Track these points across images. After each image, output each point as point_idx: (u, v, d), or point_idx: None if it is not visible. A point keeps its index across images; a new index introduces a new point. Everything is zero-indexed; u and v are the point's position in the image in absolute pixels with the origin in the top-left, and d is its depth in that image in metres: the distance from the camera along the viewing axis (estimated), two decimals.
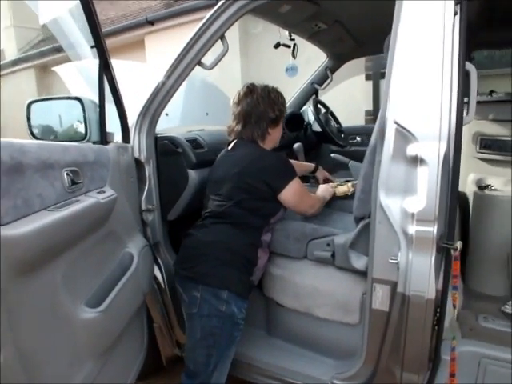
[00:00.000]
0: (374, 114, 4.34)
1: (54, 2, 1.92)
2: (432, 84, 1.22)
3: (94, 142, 1.53)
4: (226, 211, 1.61)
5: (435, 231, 1.23)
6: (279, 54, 2.62)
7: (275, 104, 1.70)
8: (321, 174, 2.32)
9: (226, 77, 4.29)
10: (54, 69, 2.15)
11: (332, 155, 2.44)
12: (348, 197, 2.08)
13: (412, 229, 1.26)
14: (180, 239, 1.78)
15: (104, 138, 1.51)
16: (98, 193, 1.25)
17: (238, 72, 5.45)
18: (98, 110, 1.48)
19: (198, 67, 1.70)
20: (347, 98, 4.18)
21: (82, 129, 1.50)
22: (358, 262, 1.53)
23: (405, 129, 1.24)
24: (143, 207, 1.81)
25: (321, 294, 1.64)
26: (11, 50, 9.62)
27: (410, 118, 1.24)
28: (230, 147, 1.76)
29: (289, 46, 2.44)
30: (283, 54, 2.65)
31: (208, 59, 1.71)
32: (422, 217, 1.23)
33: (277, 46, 2.39)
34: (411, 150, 1.24)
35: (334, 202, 2.11)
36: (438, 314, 1.31)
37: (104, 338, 1.22)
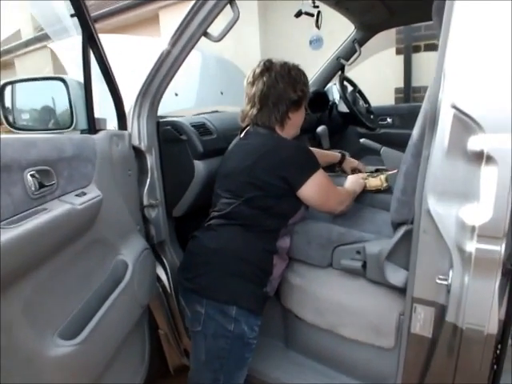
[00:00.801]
0: (405, 91, 3.97)
1: None
2: (507, 56, 0.92)
3: (83, 131, 1.29)
4: (236, 211, 1.38)
5: (502, 250, 0.95)
6: (302, 25, 2.32)
7: (297, 83, 1.43)
8: (348, 164, 2.04)
9: (243, 52, 3.99)
10: (49, 46, 1.91)
11: (361, 140, 2.15)
12: (380, 191, 1.80)
13: (471, 246, 0.99)
14: (189, 236, 1.57)
15: (92, 125, 1.27)
16: (77, 195, 1.02)
17: (257, 47, 5.09)
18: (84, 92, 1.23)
19: (209, 41, 1.43)
20: (375, 75, 3.83)
21: (67, 115, 1.26)
22: (395, 276, 1.27)
23: (467, 115, 0.95)
24: (145, 202, 1.59)
25: (348, 310, 1.39)
26: (28, 30, 9.42)
27: (474, 102, 0.95)
28: (242, 135, 1.51)
29: (312, 15, 2.12)
30: (307, 25, 2.35)
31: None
32: (486, 232, 0.95)
33: (298, 14, 2.08)
34: (475, 143, 0.95)
35: (364, 196, 1.84)
36: (498, 351, 1.05)
37: (85, 375, 1.00)
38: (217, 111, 2.23)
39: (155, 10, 6.31)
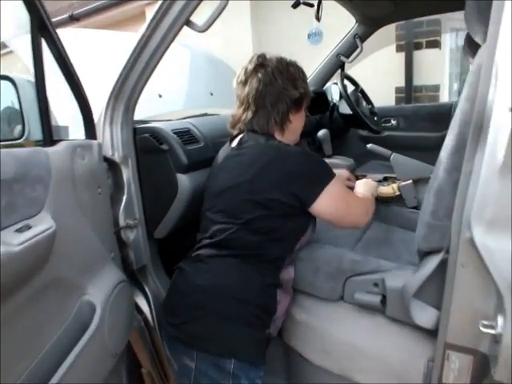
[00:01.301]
0: (406, 91, 3.76)
1: None
2: None
3: (38, 142, 1.05)
4: (232, 237, 1.13)
5: None
6: (299, 18, 2.09)
7: (297, 80, 1.22)
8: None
9: (234, 50, 3.74)
10: (3, 41, 1.64)
11: (368, 146, 1.91)
12: (391, 199, 1.58)
13: None
14: (176, 257, 1.34)
15: (47, 134, 1.02)
16: (18, 231, 0.77)
17: (249, 43, 4.83)
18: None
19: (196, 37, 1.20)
20: (374, 74, 3.62)
21: (18, 123, 1.02)
22: (423, 316, 1.04)
23: None
24: (121, 223, 1.35)
25: (363, 354, 1.16)
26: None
27: None
28: (234, 144, 1.26)
29: (311, 5, 1.88)
30: (303, 19, 2.12)
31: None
32: None
33: (296, 4, 1.84)
34: None
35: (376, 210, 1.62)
36: None
37: None
38: (206, 114, 1.98)
39: (141, 6, 6.06)
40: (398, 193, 1.56)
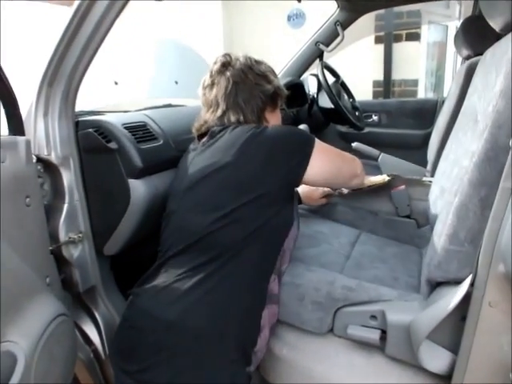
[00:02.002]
0: (384, 85, 3.61)
1: None
2: None
3: None
4: (211, 236, 0.94)
5: None
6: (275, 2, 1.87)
7: (268, 75, 1.13)
8: (311, 199, 1.51)
9: (203, 35, 3.48)
10: None
11: (353, 145, 1.73)
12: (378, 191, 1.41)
13: None
14: (133, 274, 1.13)
15: None
16: None
17: (220, 28, 4.54)
18: None
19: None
20: (351, 66, 3.44)
21: None
22: (434, 359, 0.86)
23: None
24: (62, 238, 1.11)
25: None
26: None
27: None
28: (204, 139, 1.08)
29: None
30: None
31: None
32: None
33: None
34: None
35: (364, 220, 1.42)
36: None
37: None
38: (170, 105, 1.73)
39: None
40: (388, 178, 1.39)
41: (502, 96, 0.71)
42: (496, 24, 0.95)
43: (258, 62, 1.13)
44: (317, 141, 1.04)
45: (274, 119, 1.15)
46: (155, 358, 0.90)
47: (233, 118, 1.06)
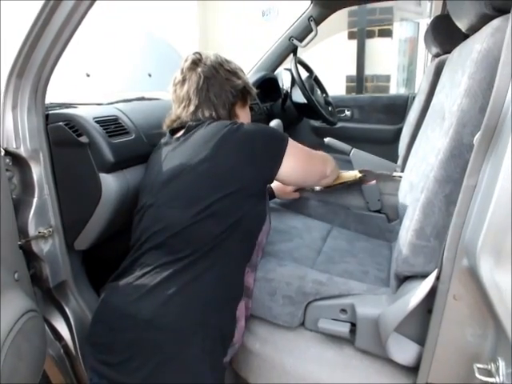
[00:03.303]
0: (357, 80, 3.65)
1: None
2: None
3: None
4: (189, 228, 0.94)
5: None
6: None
7: (237, 72, 1.16)
8: (284, 193, 1.51)
9: (177, 27, 3.43)
10: None
11: (326, 140, 1.75)
12: (350, 186, 1.43)
13: None
14: (106, 267, 1.13)
15: None
16: None
17: (194, 20, 4.49)
18: None
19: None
20: (324, 61, 3.47)
21: None
22: (401, 351, 0.89)
23: None
24: (31, 232, 1.09)
25: None
26: None
27: None
28: (179, 134, 1.08)
29: None
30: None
31: None
32: None
33: None
34: None
35: (335, 214, 1.45)
36: None
37: None
38: (143, 98, 1.70)
39: None
40: (359, 175, 1.41)
41: (466, 95, 0.74)
42: (462, 24, 0.98)
43: (227, 61, 1.16)
44: (290, 140, 1.07)
45: (244, 115, 1.18)
46: (132, 353, 0.90)
47: (206, 113, 1.07)
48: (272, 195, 1.46)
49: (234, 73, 1.14)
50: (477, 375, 0.72)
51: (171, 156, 1.05)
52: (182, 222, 0.94)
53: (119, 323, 0.93)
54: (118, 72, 2.11)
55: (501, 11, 0.76)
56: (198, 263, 0.93)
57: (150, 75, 2.11)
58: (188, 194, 0.98)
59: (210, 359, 0.91)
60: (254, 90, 1.20)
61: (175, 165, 1.01)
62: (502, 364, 0.69)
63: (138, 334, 0.90)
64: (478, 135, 0.66)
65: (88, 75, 1.76)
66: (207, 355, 0.90)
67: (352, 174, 1.42)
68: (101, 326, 0.98)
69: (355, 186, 1.46)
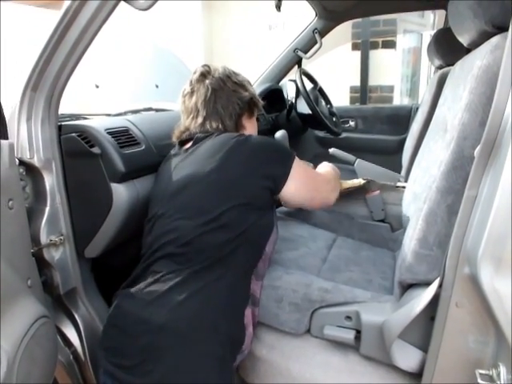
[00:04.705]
0: (361, 91, 3.68)
1: None
2: None
3: None
4: (199, 238, 0.96)
5: None
6: (255, 9, 1.90)
7: (244, 84, 1.19)
8: None
9: (183, 40, 3.48)
10: None
11: (330, 150, 1.78)
12: (354, 196, 1.45)
13: None
14: (114, 276, 1.17)
15: None
16: None
17: (199, 32, 4.54)
18: None
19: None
20: (328, 72, 3.50)
21: None
22: (405, 357, 0.91)
23: None
24: (43, 241, 1.12)
25: None
26: None
27: None
28: (187, 146, 1.11)
29: None
30: (260, 8, 1.94)
31: None
32: None
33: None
34: None
35: (340, 223, 1.47)
36: None
37: None
38: (151, 109, 1.74)
39: None
40: (363, 182, 1.44)
41: (467, 109, 0.77)
42: (463, 40, 1.01)
43: (235, 73, 1.19)
44: (296, 159, 1.08)
45: (250, 126, 1.20)
46: (145, 357, 0.91)
47: (214, 125, 1.10)
48: (278, 203, 1.47)
49: (242, 85, 1.16)
50: (479, 381, 0.73)
51: (180, 167, 1.07)
52: (192, 232, 0.96)
53: (132, 328, 0.95)
54: (126, 83, 2.15)
55: (500, 29, 0.79)
56: (209, 271, 0.95)
57: (157, 86, 2.15)
58: (196, 204, 1.00)
59: (220, 364, 0.93)
60: (261, 102, 1.23)
61: (184, 176, 1.04)
62: (503, 369, 0.71)
63: (151, 338, 0.92)
64: (478, 148, 0.69)
65: (97, 86, 1.81)
66: (217, 360, 0.92)
67: (356, 182, 1.45)
68: (114, 331, 0.99)
69: (359, 195, 1.49)
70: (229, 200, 0.97)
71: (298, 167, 1.07)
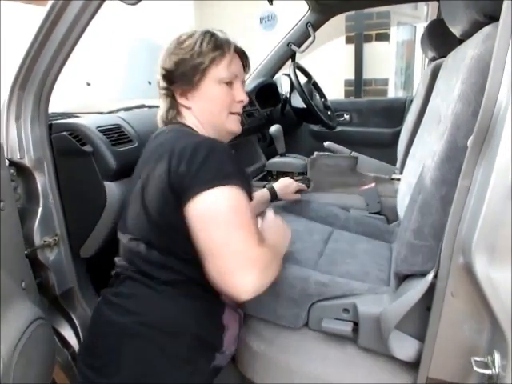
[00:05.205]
0: (355, 84, 3.67)
1: None
2: None
3: None
4: (140, 259, 0.92)
5: None
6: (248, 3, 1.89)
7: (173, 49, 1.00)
8: (287, 194, 1.49)
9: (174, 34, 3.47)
10: None
11: (325, 144, 1.78)
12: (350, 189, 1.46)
13: None
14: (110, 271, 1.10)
15: None
16: None
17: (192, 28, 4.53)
18: None
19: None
20: (322, 65, 3.50)
21: None
22: (403, 348, 0.91)
23: None
24: (37, 242, 1.11)
25: None
26: None
27: None
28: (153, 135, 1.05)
29: None
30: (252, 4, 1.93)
31: None
32: None
33: None
34: None
35: (336, 216, 1.46)
36: None
37: None
38: (143, 106, 1.73)
39: None
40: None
41: (460, 100, 0.76)
42: (456, 30, 1.01)
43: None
44: (236, 188, 0.82)
45: (194, 97, 1.00)
46: (111, 358, 0.91)
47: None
48: (275, 197, 1.45)
49: (168, 53, 1.01)
50: (474, 368, 0.73)
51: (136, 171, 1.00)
52: (132, 253, 0.93)
53: (103, 328, 0.94)
54: (118, 80, 2.14)
55: (492, 18, 0.78)
56: (172, 285, 0.91)
57: (149, 83, 2.14)
58: (132, 224, 0.94)
59: (189, 366, 0.90)
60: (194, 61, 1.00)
61: (131, 186, 0.98)
62: (497, 356, 0.71)
63: (116, 339, 0.91)
64: (471, 138, 0.69)
65: (88, 84, 1.80)
66: (183, 362, 0.89)
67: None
68: (89, 331, 1.00)
69: (355, 189, 1.48)
70: (149, 223, 0.90)
71: (229, 195, 0.81)
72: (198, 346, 0.92)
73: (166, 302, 0.91)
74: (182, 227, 0.83)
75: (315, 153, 1.62)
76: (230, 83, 0.99)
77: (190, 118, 1.01)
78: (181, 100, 0.99)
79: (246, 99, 1.02)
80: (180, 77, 0.97)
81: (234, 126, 1.03)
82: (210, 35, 0.98)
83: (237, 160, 0.88)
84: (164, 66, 0.99)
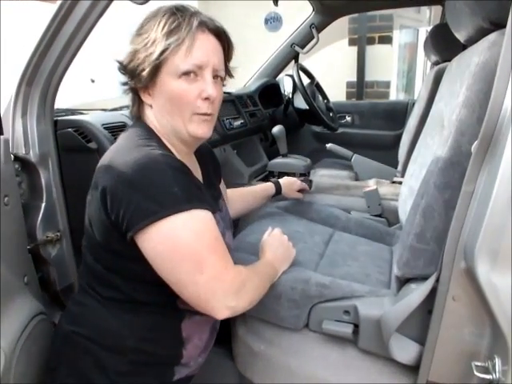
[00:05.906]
0: (357, 86, 3.68)
1: None
2: None
3: None
4: (87, 269, 0.89)
5: None
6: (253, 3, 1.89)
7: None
8: (290, 191, 1.46)
9: None
10: None
11: (328, 146, 1.78)
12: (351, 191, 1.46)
13: None
14: None
15: None
16: None
17: None
18: None
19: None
20: (325, 67, 3.51)
21: None
22: (403, 351, 0.91)
23: None
24: (39, 237, 1.12)
25: None
26: None
27: None
28: None
29: None
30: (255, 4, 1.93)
31: None
32: None
33: None
34: None
35: (337, 218, 1.47)
36: None
37: None
38: None
39: None
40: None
41: (465, 106, 0.77)
42: (460, 35, 1.01)
43: None
44: (197, 214, 0.74)
45: (155, 93, 0.86)
46: (56, 363, 0.90)
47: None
48: (279, 192, 1.43)
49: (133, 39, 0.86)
50: (475, 372, 0.74)
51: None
52: (93, 266, 0.87)
53: (55, 331, 0.94)
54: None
55: (497, 25, 0.79)
56: (114, 301, 0.85)
57: None
58: (85, 233, 0.89)
59: (133, 381, 0.85)
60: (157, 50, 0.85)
61: None
62: (498, 361, 0.72)
63: (60, 346, 0.90)
64: (475, 144, 0.69)
65: (93, 81, 1.80)
66: (124, 377, 0.83)
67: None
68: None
69: (356, 191, 1.49)
70: (89, 237, 0.87)
71: (187, 221, 0.74)
72: (144, 362, 0.85)
73: (108, 316, 0.84)
74: (127, 252, 0.77)
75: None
76: (194, 75, 0.80)
77: (150, 118, 0.86)
78: (143, 97, 0.84)
79: (213, 94, 0.80)
80: (132, 72, 0.81)
81: (198, 129, 0.83)
82: (169, 16, 0.79)
83: (184, 174, 0.78)
84: (118, 59, 0.84)
